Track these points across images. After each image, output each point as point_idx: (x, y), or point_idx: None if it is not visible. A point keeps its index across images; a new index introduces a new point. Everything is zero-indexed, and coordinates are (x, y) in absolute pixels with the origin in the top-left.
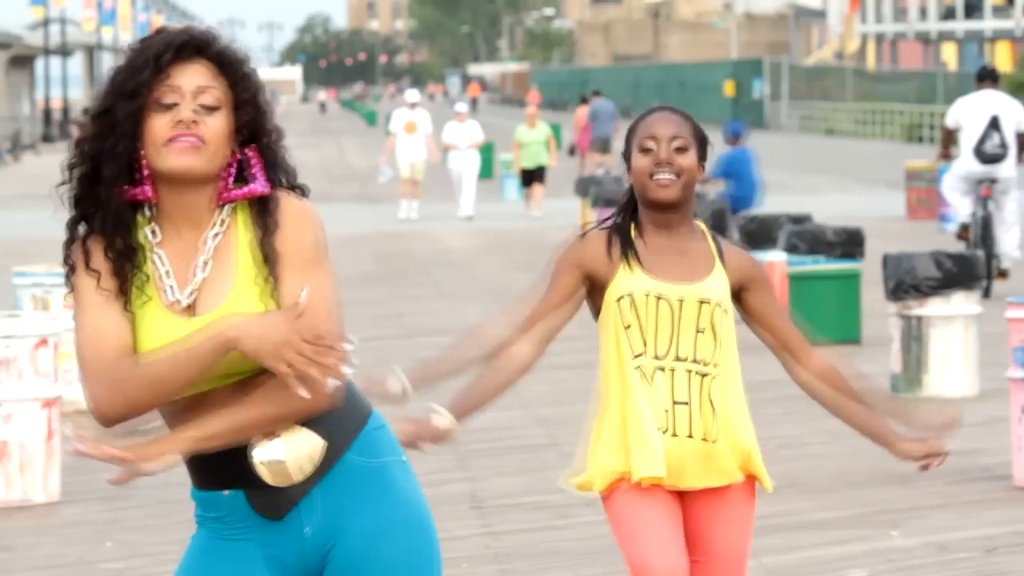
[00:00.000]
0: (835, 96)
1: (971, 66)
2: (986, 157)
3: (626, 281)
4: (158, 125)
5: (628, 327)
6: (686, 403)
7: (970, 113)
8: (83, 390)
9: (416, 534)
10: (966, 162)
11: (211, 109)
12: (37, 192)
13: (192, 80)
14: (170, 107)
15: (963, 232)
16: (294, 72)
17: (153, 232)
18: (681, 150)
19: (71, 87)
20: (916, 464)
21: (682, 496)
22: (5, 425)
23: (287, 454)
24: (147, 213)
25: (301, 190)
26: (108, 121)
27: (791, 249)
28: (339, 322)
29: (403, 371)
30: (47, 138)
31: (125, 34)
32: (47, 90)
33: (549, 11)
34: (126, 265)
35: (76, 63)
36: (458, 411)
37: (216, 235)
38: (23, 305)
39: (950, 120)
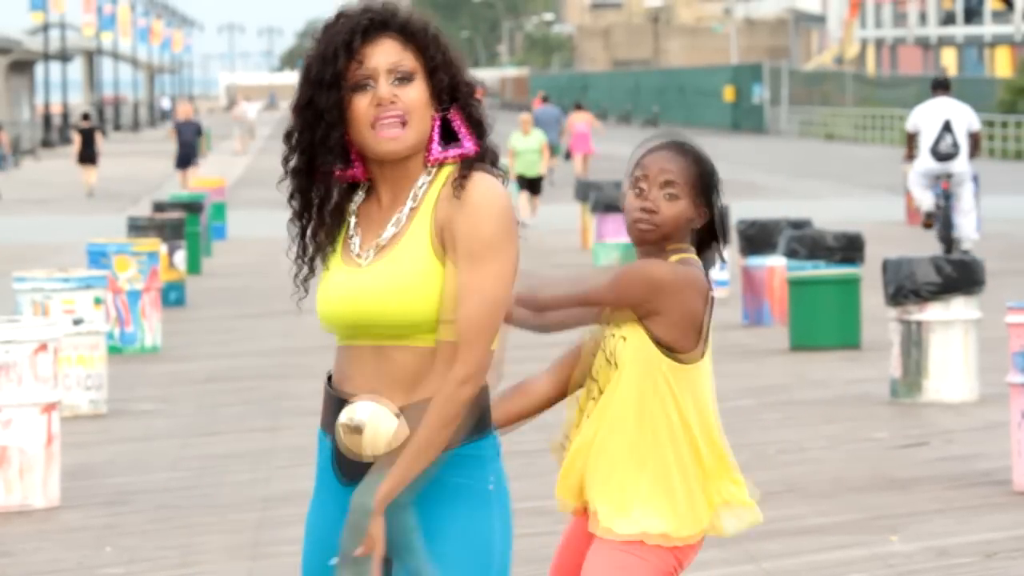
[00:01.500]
0: (835, 101)
1: (971, 71)
2: (941, 156)
3: None
4: (361, 107)
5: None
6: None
7: (926, 118)
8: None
9: (479, 553)
10: (925, 160)
11: (406, 80)
12: (37, 197)
13: (383, 58)
14: (368, 87)
15: (928, 220)
16: (294, 77)
17: (356, 205)
18: (672, 197)
19: (71, 92)
20: None
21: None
22: (5, 430)
23: (367, 427)
24: (361, 191)
25: (495, 162)
26: (312, 113)
27: (791, 254)
28: (488, 323)
29: None
30: (47, 143)
31: (124, 39)
32: (47, 95)
33: (549, 16)
34: (332, 230)
35: (76, 68)
36: None
37: (415, 196)
38: (23, 310)
39: (910, 125)
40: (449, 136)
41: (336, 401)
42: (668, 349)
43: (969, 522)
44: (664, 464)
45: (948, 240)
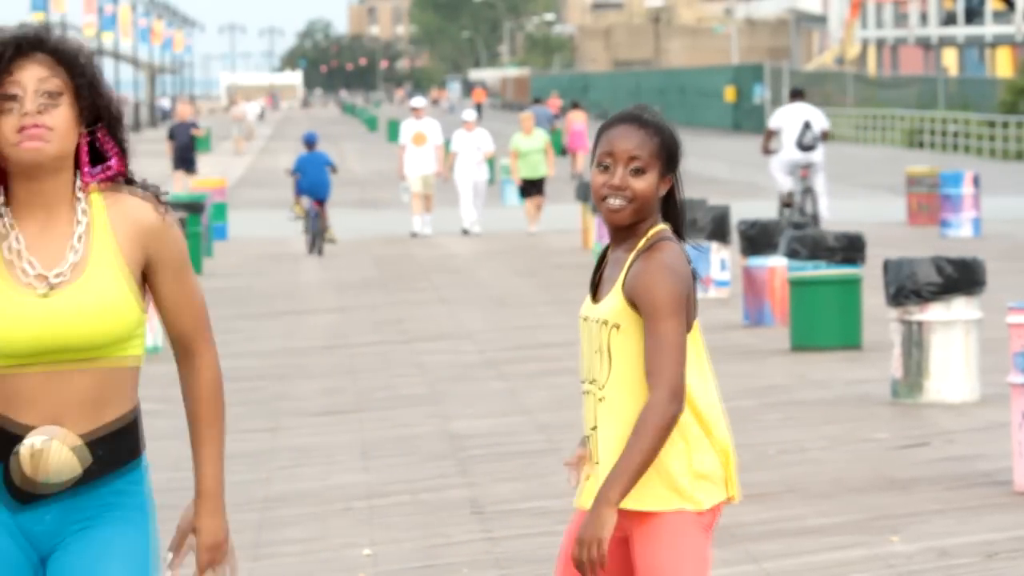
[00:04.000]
0: (836, 101)
1: (972, 72)
2: (804, 147)
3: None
4: (7, 125)
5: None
6: (595, 427)
7: (788, 119)
8: None
9: (134, 567)
10: (790, 152)
11: (54, 96)
12: None
13: (33, 73)
14: (15, 100)
15: (788, 200)
16: (295, 77)
17: (2, 216)
18: (638, 172)
19: None
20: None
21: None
22: None
23: (43, 463)
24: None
25: (132, 182)
26: None
27: (792, 255)
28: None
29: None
30: None
31: (125, 39)
32: None
33: (550, 16)
34: None
35: None
36: None
37: (79, 221)
38: None
39: (773, 124)
40: (95, 156)
41: (9, 425)
42: None
43: (970, 522)
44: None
45: (805, 215)
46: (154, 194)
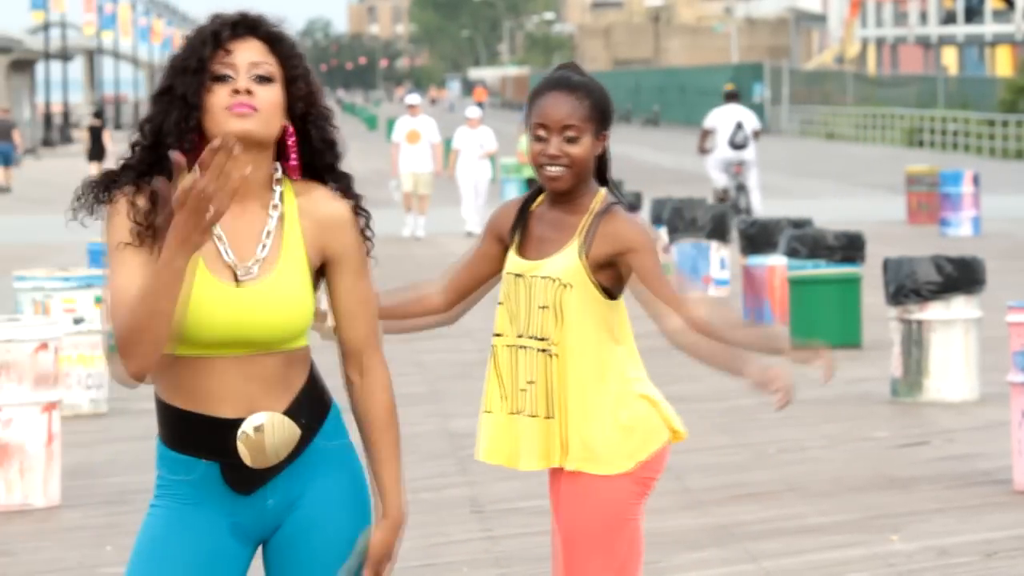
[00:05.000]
0: (836, 100)
1: (971, 71)
2: (736, 146)
3: (508, 257)
4: (218, 96)
5: (500, 304)
6: (533, 382)
7: (722, 119)
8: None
9: (361, 509)
10: (724, 150)
11: (264, 80)
12: (38, 196)
13: (246, 56)
14: (227, 80)
15: (723, 195)
16: None
17: None
18: (572, 140)
19: (72, 91)
20: (769, 395)
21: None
22: (5, 429)
23: (268, 439)
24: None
25: (346, 180)
26: (169, 98)
27: (792, 253)
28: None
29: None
30: (47, 142)
31: (125, 38)
32: (47, 94)
33: (549, 15)
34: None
35: (77, 67)
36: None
37: (276, 207)
38: (23, 309)
39: (707, 124)
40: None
41: (211, 423)
42: (606, 292)
43: (969, 521)
44: (624, 401)
45: (739, 210)
46: (345, 187)
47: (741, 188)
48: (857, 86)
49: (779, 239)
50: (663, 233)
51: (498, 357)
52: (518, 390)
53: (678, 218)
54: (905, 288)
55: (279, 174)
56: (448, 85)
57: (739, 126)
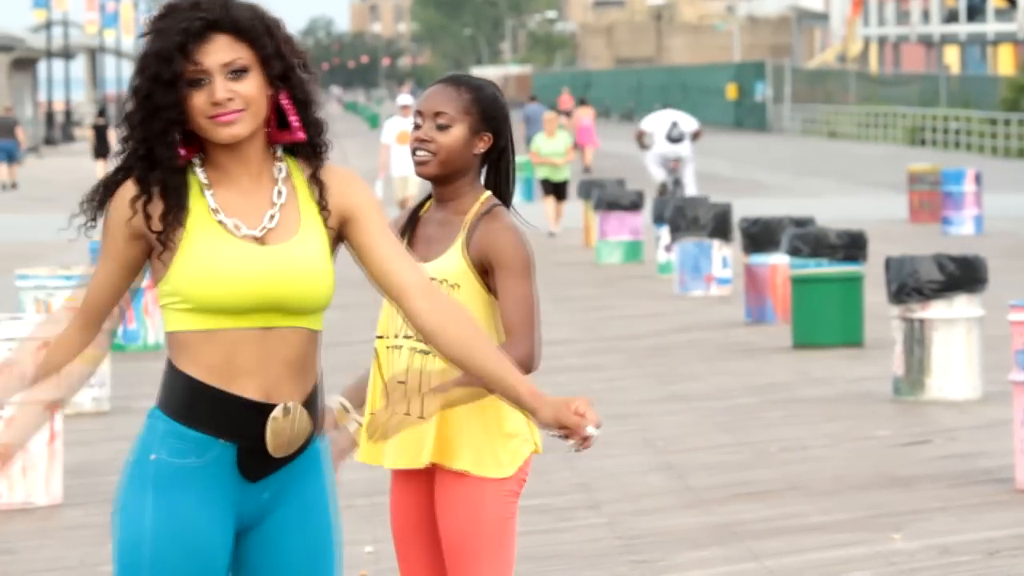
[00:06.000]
0: (838, 99)
1: (974, 69)
2: (672, 140)
3: None
4: (199, 103)
5: (385, 306)
6: (403, 381)
7: (658, 120)
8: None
9: (332, 514)
10: (661, 147)
11: (240, 73)
12: (40, 195)
13: (216, 58)
14: (204, 83)
15: (662, 191)
16: None
17: (207, 179)
18: (443, 127)
19: (74, 89)
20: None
21: (427, 474)
22: (7, 428)
23: (292, 428)
24: (196, 164)
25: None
26: (152, 106)
27: (794, 252)
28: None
29: (342, 398)
30: (49, 141)
31: (127, 37)
32: (49, 92)
33: (551, 14)
34: (178, 213)
35: (79, 65)
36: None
37: (281, 173)
38: (26, 308)
39: (644, 126)
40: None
41: (235, 401)
42: (493, 291)
43: (971, 520)
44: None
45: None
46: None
47: (678, 183)
48: (859, 85)
49: (781, 238)
50: (665, 232)
51: (380, 357)
52: (387, 389)
53: (680, 217)
54: (907, 287)
55: (279, 151)
56: None
57: (674, 124)
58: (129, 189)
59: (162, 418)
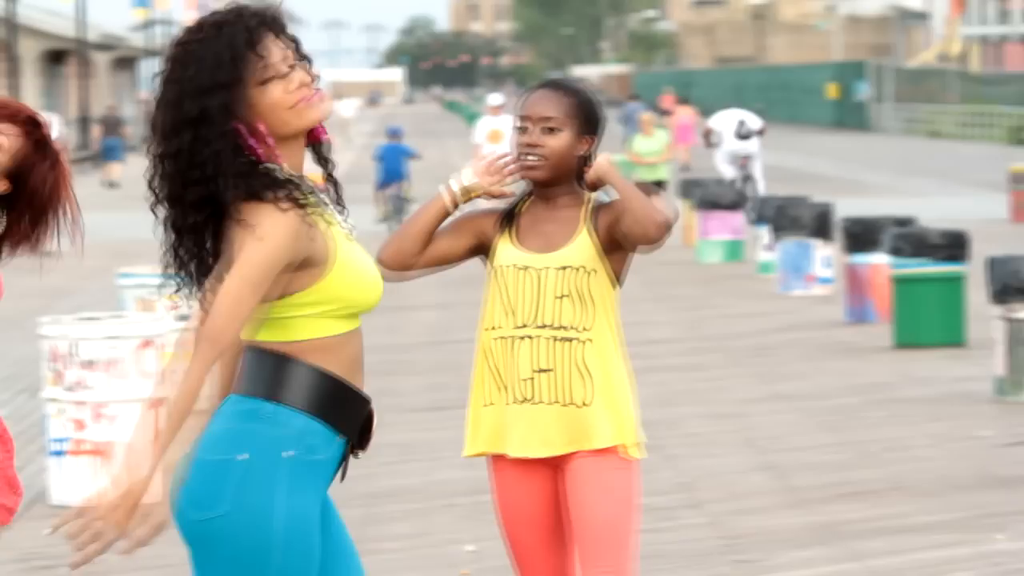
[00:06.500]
0: (939, 98)
1: None
2: (741, 137)
3: (501, 252)
4: (277, 94)
5: (488, 299)
6: (549, 370)
7: (725, 119)
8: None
9: None
10: (730, 144)
11: (303, 61)
12: (140, 192)
13: (281, 50)
14: (275, 78)
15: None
16: (396, 74)
17: (306, 187)
18: (552, 131)
19: None
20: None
21: (551, 463)
22: (110, 426)
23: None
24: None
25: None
26: (207, 127)
27: (895, 252)
28: None
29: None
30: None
31: None
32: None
33: (652, 13)
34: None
35: None
36: None
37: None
38: (127, 306)
39: (711, 124)
40: None
41: (358, 398)
42: (615, 279)
43: None
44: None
45: (747, 199)
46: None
47: (748, 179)
48: (961, 84)
49: (883, 237)
50: (767, 232)
51: (492, 350)
52: (519, 380)
53: (782, 216)
54: (1009, 287)
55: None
56: None
57: (741, 123)
58: (295, 214)
59: (296, 414)
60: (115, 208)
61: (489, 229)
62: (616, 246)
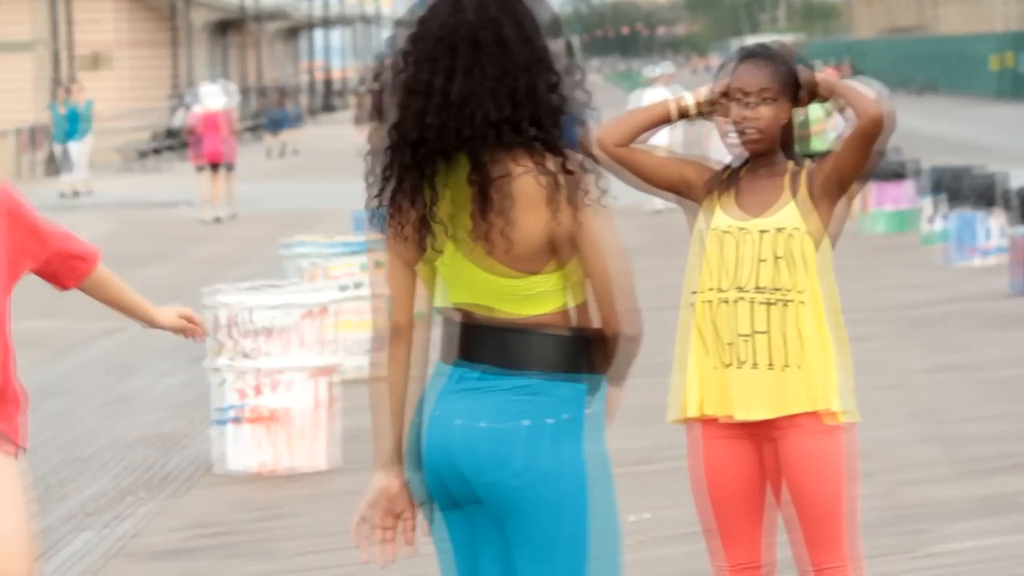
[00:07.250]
0: None
1: None
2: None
3: (718, 215)
4: None
5: (693, 263)
6: (764, 332)
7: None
8: None
9: None
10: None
11: None
12: (306, 163)
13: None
14: None
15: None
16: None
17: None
18: (769, 102)
19: (335, 58)
20: None
21: (760, 430)
22: (284, 393)
23: None
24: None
25: None
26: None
27: None
28: None
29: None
30: (312, 111)
31: (386, 6)
32: (327, 61)
33: None
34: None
35: (340, 34)
36: None
37: None
38: (291, 276)
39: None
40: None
41: None
42: (828, 238)
43: None
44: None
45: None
46: None
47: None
48: None
49: None
50: (931, 203)
51: (699, 312)
52: (725, 344)
53: (949, 187)
54: None
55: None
56: (720, 54)
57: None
58: None
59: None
60: (281, 177)
61: (698, 185)
62: (833, 197)
